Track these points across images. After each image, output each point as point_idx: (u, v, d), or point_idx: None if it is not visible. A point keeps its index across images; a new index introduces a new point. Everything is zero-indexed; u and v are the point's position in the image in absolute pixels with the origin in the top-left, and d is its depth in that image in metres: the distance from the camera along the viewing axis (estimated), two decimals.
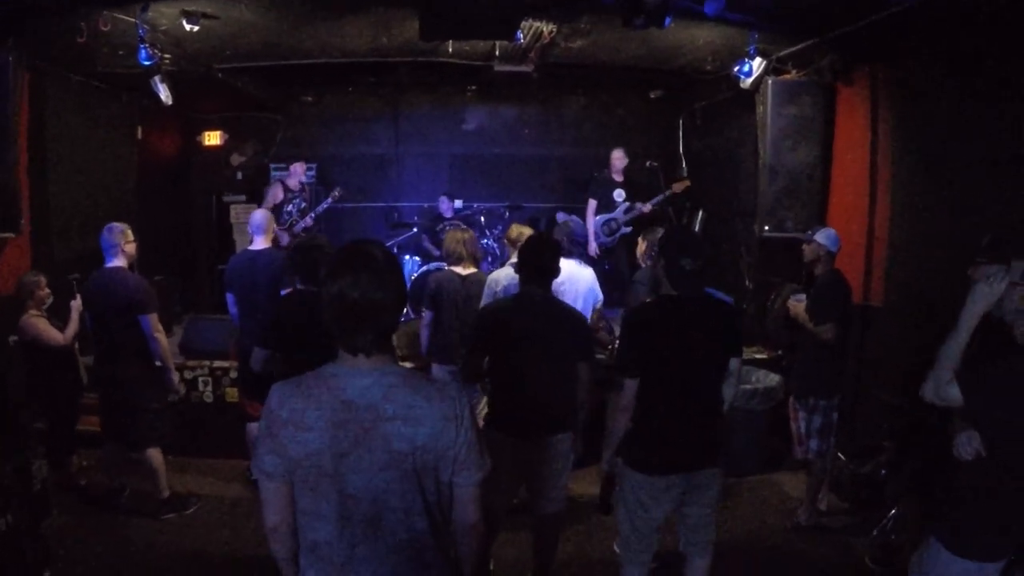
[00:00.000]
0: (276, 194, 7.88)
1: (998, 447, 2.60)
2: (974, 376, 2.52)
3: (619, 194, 8.22)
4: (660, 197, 8.17)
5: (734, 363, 3.52)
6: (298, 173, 8.16)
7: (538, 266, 3.87)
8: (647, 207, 8.09)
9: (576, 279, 5.17)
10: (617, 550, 3.67)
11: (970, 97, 4.78)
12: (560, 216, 5.59)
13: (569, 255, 5.37)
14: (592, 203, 8.30)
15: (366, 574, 1.97)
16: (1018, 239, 3.89)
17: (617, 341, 5.91)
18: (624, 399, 3.42)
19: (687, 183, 8.30)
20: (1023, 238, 3.96)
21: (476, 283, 5.16)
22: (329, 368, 2.01)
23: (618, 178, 8.30)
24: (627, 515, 3.53)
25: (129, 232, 5.02)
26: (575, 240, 5.44)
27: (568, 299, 5.13)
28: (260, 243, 5.43)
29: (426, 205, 9.70)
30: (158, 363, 5.06)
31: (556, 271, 3.95)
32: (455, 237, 5.36)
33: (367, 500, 1.94)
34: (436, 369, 5.32)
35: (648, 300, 4.52)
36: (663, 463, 3.39)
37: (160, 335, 4.98)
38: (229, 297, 5.47)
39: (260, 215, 5.54)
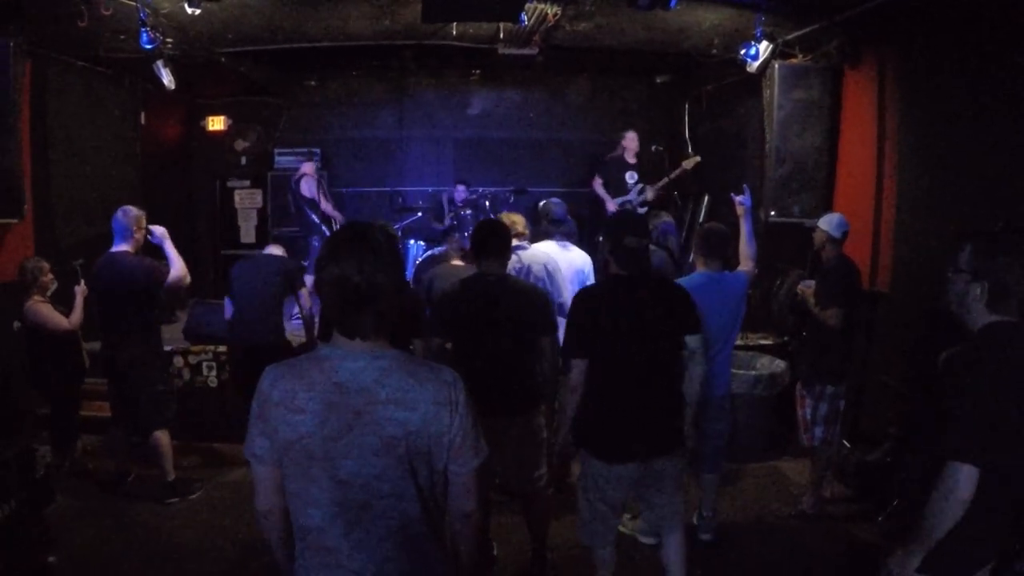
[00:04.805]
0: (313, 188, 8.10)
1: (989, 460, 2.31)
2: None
3: (631, 175, 8.19)
4: (674, 174, 8.12)
5: (693, 340, 3.48)
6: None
7: (487, 246, 3.92)
8: (650, 193, 8.08)
9: (556, 260, 5.11)
10: (579, 537, 3.67)
11: (978, 81, 4.72)
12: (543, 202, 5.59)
13: (548, 236, 5.34)
14: (598, 180, 8.29)
15: (360, 560, 1.95)
16: None
17: None
18: (572, 380, 3.40)
19: (697, 159, 8.22)
20: None
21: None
22: (323, 350, 1.98)
23: (631, 160, 8.24)
24: (586, 500, 3.54)
25: (143, 219, 4.98)
26: (553, 220, 5.39)
27: (546, 280, 5.07)
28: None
29: (431, 190, 9.69)
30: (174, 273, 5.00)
31: (506, 250, 3.99)
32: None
33: (358, 485, 1.91)
34: None
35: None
36: (619, 450, 3.38)
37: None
38: (227, 303, 5.52)
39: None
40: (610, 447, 3.40)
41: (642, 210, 8.14)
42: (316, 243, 7.76)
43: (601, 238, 3.75)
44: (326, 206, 8.02)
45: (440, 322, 3.94)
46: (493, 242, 3.93)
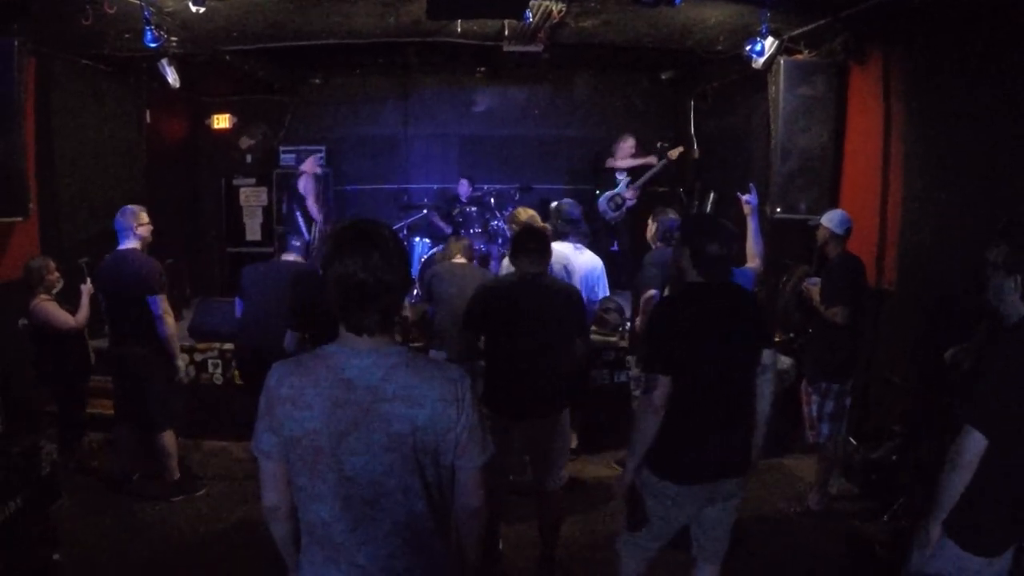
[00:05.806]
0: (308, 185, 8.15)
1: (998, 436, 2.48)
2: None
3: (621, 172, 8.37)
4: (657, 168, 8.36)
5: (768, 355, 3.25)
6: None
7: (523, 244, 3.94)
8: (637, 188, 8.26)
9: (569, 262, 5.11)
10: (618, 548, 3.43)
11: (984, 77, 4.69)
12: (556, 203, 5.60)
13: (564, 237, 5.32)
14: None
15: (366, 555, 1.96)
16: None
17: (628, 324, 5.85)
18: (656, 399, 3.02)
19: (681, 148, 8.34)
20: None
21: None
22: (330, 347, 1.99)
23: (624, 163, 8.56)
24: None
25: (143, 215, 5.02)
26: (567, 219, 5.37)
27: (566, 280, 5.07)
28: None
29: (436, 187, 9.69)
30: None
31: (544, 249, 3.98)
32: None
33: (365, 481, 1.92)
34: (433, 353, 5.33)
35: (670, 291, 4.46)
36: (693, 472, 3.11)
37: (168, 317, 4.99)
38: (238, 303, 5.48)
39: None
40: (686, 467, 3.12)
41: (631, 202, 8.41)
42: (293, 241, 7.82)
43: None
44: (312, 205, 8.02)
45: (470, 319, 3.97)
46: (529, 241, 3.95)
